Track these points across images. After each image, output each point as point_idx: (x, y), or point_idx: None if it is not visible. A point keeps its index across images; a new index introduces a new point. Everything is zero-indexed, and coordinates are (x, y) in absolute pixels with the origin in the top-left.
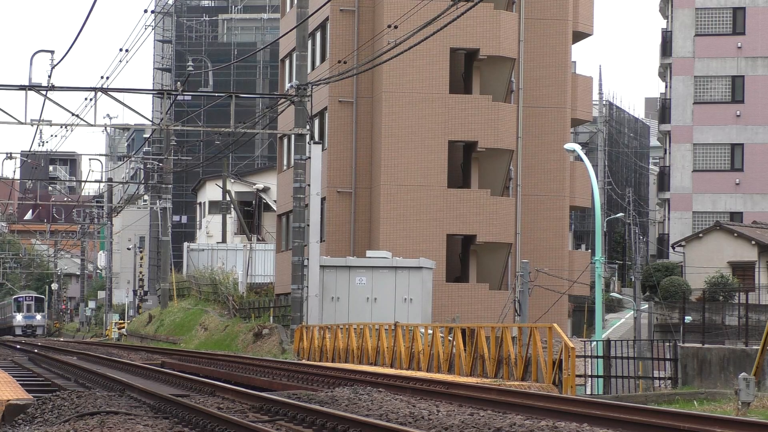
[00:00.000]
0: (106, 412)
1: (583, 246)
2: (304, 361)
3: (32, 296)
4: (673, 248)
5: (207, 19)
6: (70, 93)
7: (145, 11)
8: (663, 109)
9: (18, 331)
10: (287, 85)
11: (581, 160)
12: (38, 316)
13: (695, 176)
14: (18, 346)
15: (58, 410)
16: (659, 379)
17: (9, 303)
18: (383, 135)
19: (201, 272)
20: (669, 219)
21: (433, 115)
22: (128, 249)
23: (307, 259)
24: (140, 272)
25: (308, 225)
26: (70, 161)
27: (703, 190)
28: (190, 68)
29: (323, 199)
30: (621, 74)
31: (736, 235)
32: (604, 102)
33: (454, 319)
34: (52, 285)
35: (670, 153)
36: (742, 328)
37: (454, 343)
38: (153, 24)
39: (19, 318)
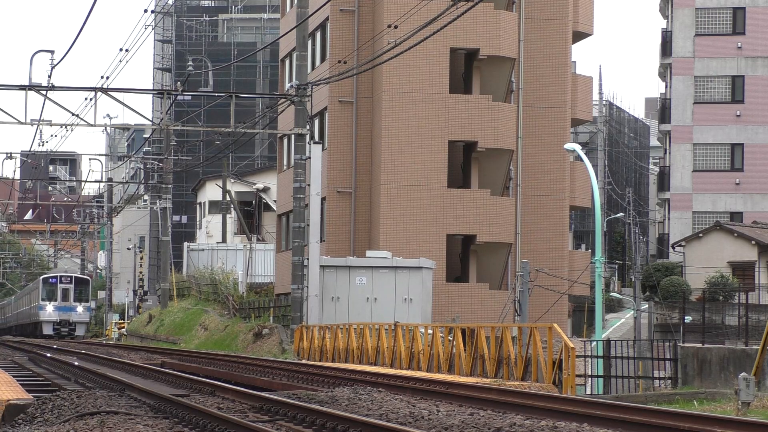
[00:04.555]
0: (106, 412)
1: (583, 246)
2: (304, 361)
3: (70, 276)
4: (673, 248)
5: (207, 19)
6: (70, 93)
7: (145, 11)
8: (663, 109)
9: (47, 330)
10: (287, 85)
11: (581, 160)
12: (80, 308)
13: (695, 176)
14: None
15: (58, 410)
16: (659, 379)
17: (35, 288)
18: (383, 135)
19: (201, 272)
20: (669, 219)
21: (433, 115)
22: (128, 249)
23: (307, 259)
24: (140, 272)
25: (308, 225)
26: (70, 161)
27: (703, 190)
28: (190, 68)
29: (323, 199)
30: (621, 74)
31: (736, 235)
32: (604, 102)
33: (454, 319)
34: None
35: (670, 153)
36: (742, 328)
37: (454, 343)
38: (153, 24)
39: (49, 310)
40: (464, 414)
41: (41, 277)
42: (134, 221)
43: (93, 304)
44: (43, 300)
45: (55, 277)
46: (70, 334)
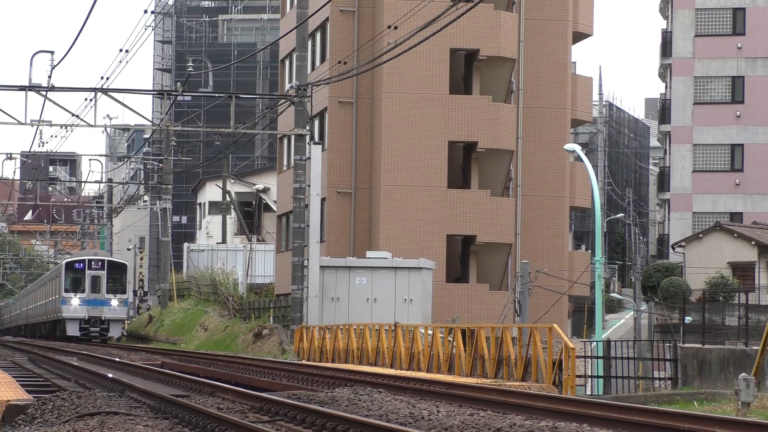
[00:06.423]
0: (106, 413)
1: (583, 246)
2: (304, 362)
3: (101, 260)
4: (673, 249)
5: (207, 19)
6: (70, 93)
7: (145, 12)
8: (663, 110)
9: (72, 330)
10: (287, 86)
11: (581, 160)
12: (114, 301)
13: (695, 177)
14: None
15: (58, 411)
16: (659, 379)
17: (55, 275)
18: (383, 135)
19: (201, 273)
20: (669, 219)
21: (432, 116)
22: (128, 249)
23: (307, 259)
24: (140, 273)
25: (308, 225)
26: (70, 162)
27: (703, 190)
28: (190, 69)
29: (323, 200)
30: (621, 74)
31: (736, 235)
32: (604, 102)
33: (454, 319)
34: None
35: (670, 153)
36: (742, 329)
37: (454, 343)
38: (153, 24)
39: (75, 304)
40: (464, 414)
41: (64, 262)
42: (134, 222)
43: (131, 296)
44: (66, 291)
45: (82, 261)
46: (101, 335)
